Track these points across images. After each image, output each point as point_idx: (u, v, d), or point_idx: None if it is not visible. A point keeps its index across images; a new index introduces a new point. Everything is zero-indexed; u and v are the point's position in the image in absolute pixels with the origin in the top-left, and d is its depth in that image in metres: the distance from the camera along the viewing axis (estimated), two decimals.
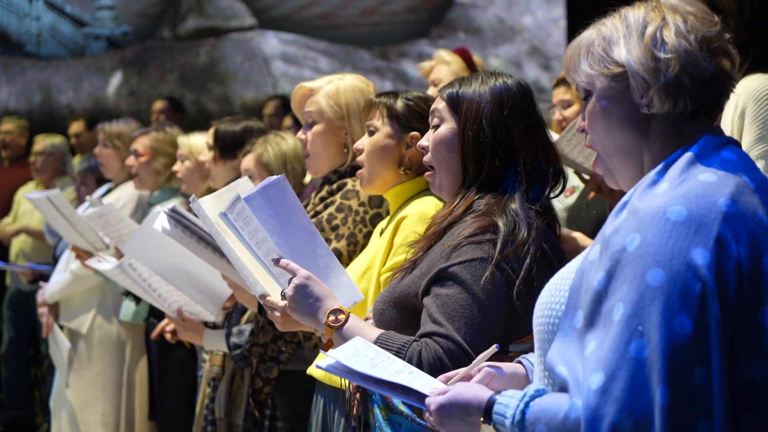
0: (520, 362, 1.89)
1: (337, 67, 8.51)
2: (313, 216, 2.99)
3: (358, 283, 2.56)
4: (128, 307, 4.75)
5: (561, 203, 3.49)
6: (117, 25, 9.57)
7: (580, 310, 1.56)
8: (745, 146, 2.59)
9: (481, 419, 1.64)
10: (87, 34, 9.64)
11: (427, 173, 2.33)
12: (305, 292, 2.19)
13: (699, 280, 1.46)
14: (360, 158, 2.68)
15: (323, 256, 2.35)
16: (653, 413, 1.43)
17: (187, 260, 3.24)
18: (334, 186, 3.02)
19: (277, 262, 2.24)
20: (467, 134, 2.21)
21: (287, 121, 6.58)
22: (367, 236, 2.90)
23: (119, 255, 4.09)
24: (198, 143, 4.35)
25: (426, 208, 2.53)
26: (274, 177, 2.36)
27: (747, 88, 2.64)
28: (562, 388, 1.55)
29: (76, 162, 6.67)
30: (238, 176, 3.72)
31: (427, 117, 2.62)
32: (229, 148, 3.94)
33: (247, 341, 3.31)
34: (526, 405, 1.58)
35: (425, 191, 2.61)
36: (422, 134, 2.61)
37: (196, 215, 2.57)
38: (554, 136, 2.54)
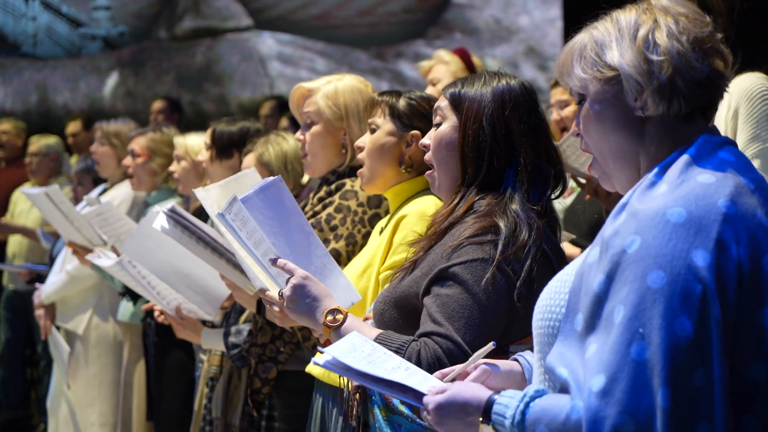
0: (516, 360, 1.89)
1: (333, 67, 8.52)
2: (312, 216, 2.99)
3: (358, 281, 2.57)
4: (126, 308, 4.76)
5: (560, 204, 3.50)
6: (113, 25, 9.57)
7: (580, 312, 1.55)
8: (739, 146, 2.59)
9: (480, 419, 1.64)
10: (83, 34, 9.64)
11: (427, 172, 2.33)
12: (303, 292, 2.19)
13: (699, 282, 1.46)
14: (360, 156, 2.68)
15: (320, 256, 2.35)
16: (655, 415, 1.43)
17: (185, 261, 3.25)
18: (333, 186, 3.02)
19: (274, 262, 2.24)
20: (467, 133, 2.21)
21: (284, 122, 6.58)
22: (366, 237, 2.91)
23: (117, 254, 4.09)
24: (194, 143, 4.36)
25: (426, 208, 2.54)
26: (271, 178, 2.36)
27: (739, 88, 2.65)
28: (563, 389, 1.55)
29: (74, 162, 6.68)
30: None
31: (428, 116, 2.62)
32: (225, 147, 3.95)
33: (245, 341, 3.31)
34: (526, 405, 1.57)
35: (425, 190, 2.61)
36: (423, 133, 2.62)
37: (195, 214, 2.58)
38: None
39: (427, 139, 2.30)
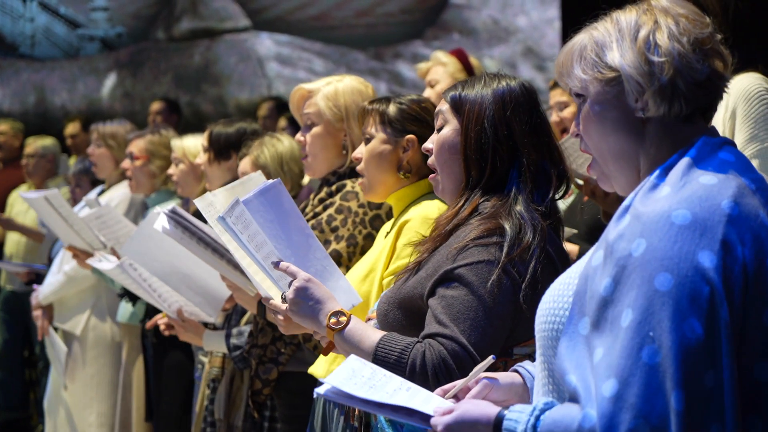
0: (516, 371, 1.88)
1: (331, 68, 8.52)
2: (313, 217, 2.99)
3: (360, 285, 2.57)
4: (125, 309, 4.75)
5: (563, 204, 3.50)
6: (111, 26, 9.57)
7: (586, 316, 1.55)
8: (738, 146, 2.59)
9: None
10: (81, 35, 9.64)
11: (431, 176, 2.33)
12: (306, 295, 2.18)
13: (707, 284, 1.46)
14: (359, 167, 2.68)
15: (320, 259, 2.35)
16: (669, 419, 1.43)
17: (185, 262, 3.25)
18: (333, 188, 3.02)
19: (277, 265, 2.24)
20: (469, 135, 2.21)
21: (282, 123, 6.58)
22: (367, 238, 2.91)
23: (116, 257, 4.09)
24: (191, 146, 4.36)
25: (429, 211, 2.54)
26: (271, 180, 2.36)
27: (737, 88, 2.65)
28: (572, 397, 1.54)
29: (72, 163, 6.67)
30: (234, 177, 3.73)
31: (421, 119, 2.62)
32: (223, 149, 3.96)
33: (246, 342, 3.32)
34: (537, 419, 1.56)
35: (428, 194, 2.62)
36: (418, 136, 2.62)
37: (195, 215, 2.58)
38: None
39: (430, 143, 2.30)
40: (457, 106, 2.24)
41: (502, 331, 2.07)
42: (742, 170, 1.58)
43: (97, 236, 4.42)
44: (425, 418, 1.73)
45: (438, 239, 2.19)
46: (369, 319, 2.29)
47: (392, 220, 2.71)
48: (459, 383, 1.82)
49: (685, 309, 1.46)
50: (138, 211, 4.94)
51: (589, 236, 3.39)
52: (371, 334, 2.11)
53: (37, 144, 6.93)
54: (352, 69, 8.30)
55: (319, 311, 2.17)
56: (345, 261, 2.87)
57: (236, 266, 2.70)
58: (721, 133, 2.33)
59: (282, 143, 3.59)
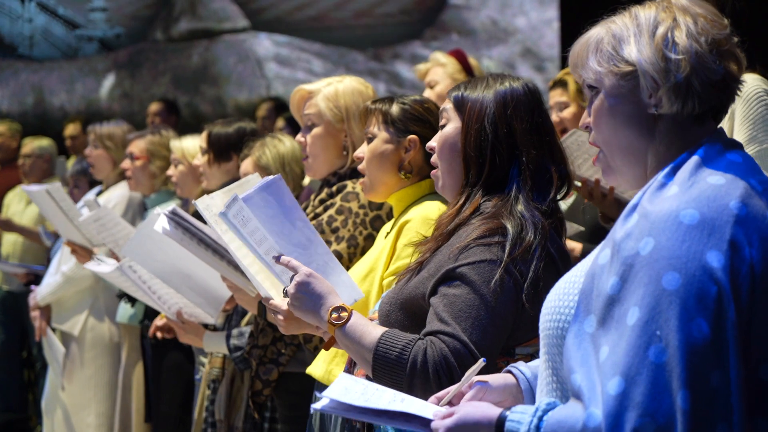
0: (510, 371, 1.87)
1: (330, 68, 8.52)
2: (313, 218, 3.00)
3: (360, 285, 2.56)
4: (125, 309, 4.75)
5: (564, 204, 3.51)
6: (110, 27, 9.57)
7: (592, 314, 1.55)
8: None
9: None
10: (80, 36, 9.63)
11: (432, 171, 2.34)
12: (307, 289, 2.18)
13: (715, 283, 1.46)
14: (361, 167, 2.69)
15: (322, 254, 2.35)
16: (675, 418, 1.43)
17: (185, 263, 3.24)
18: (334, 188, 3.03)
19: (278, 259, 2.24)
20: (470, 133, 2.22)
21: (280, 123, 6.58)
22: (368, 238, 2.91)
23: (114, 258, 4.08)
24: (190, 146, 4.36)
25: (429, 212, 2.54)
26: (271, 177, 2.36)
27: None
28: (575, 396, 1.54)
29: (71, 164, 6.66)
30: (233, 179, 3.73)
31: (424, 120, 2.64)
32: (223, 150, 3.95)
33: (247, 343, 3.32)
34: (540, 420, 1.56)
35: (428, 195, 2.62)
36: (420, 137, 2.63)
37: (195, 215, 2.58)
38: None
39: (433, 142, 2.32)
40: (459, 104, 2.26)
41: (503, 330, 2.07)
42: (749, 172, 1.59)
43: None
44: (425, 422, 1.72)
45: (439, 239, 2.20)
46: (371, 320, 2.29)
47: (392, 221, 2.71)
48: (452, 389, 1.81)
49: (692, 308, 1.46)
50: (136, 212, 4.94)
51: (591, 237, 3.39)
52: (372, 330, 2.10)
53: (33, 144, 6.93)
54: (351, 69, 8.30)
55: (321, 306, 2.16)
56: (346, 262, 2.87)
57: (237, 267, 2.70)
58: None
59: (284, 144, 3.59)
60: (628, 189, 1.90)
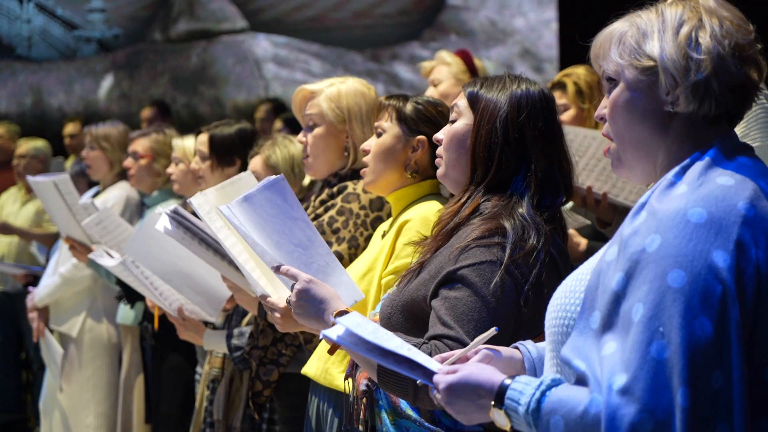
0: (517, 347, 1.88)
1: (328, 69, 8.53)
2: (314, 219, 2.99)
3: (359, 284, 2.57)
4: (125, 310, 4.75)
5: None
6: (108, 27, 9.57)
7: (597, 310, 1.55)
8: None
9: (492, 403, 1.62)
10: (78, 36, 9.63)
11: (436, 159, 2.33)
12: (308, 296, 2.18)
13: (720, 283, 1.47)
14: (366, 159, 2.69)
15: (323, 255, 2.36)
16: (674, 414, 1.44)
17: (186, 262, 3.24)
18: (335, 189, 3.03)
19: (277, 269, 2.24)
20: (480, 133, 2.20)
21: (277, 124, 6.58)
22: (368, 239, 2.91)
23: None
24: (192, 146, 4.33)
25: (428, 212, 2.54)
26: (274, 176, 2.37)
27: None
28: (579, 381, 1.54)
29: (69, 165, 6.66)
30: None
31: (435, 122, 2.64)
32: (226, 154, 3.91)
33: (247, 344, 3.32)
34: (542, 394, 1.56)
35: (428, 195, 2.62)
36: (429, 138, 2.62)
37: (194, 214, 2.58)
38: None
39: (441, 134, 2.31)
40: (473, 102, 2.24)
41: (505, 331, 2.07)
42: (759, 174, 1.60)
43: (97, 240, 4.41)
44: (428, 373, 1.72)
45: (439, 239, 2.19)
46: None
47: (390, 220, 2.71)
48: (458, 352, 1.81)
49: (696, 307, 1.46)
50: (133, 212, 4.93)
51: (596, 235, 3.40)
52: None
53: (29, 145, 6.92)
54: (350, 70, 8.31)
55: (324, 311, 2.17)
56: (346, 263, 2.87)
57: (237, 267, 2.70)
58: None
59: (294, 145, 3.58)
60: (636, 184, 1.90)
